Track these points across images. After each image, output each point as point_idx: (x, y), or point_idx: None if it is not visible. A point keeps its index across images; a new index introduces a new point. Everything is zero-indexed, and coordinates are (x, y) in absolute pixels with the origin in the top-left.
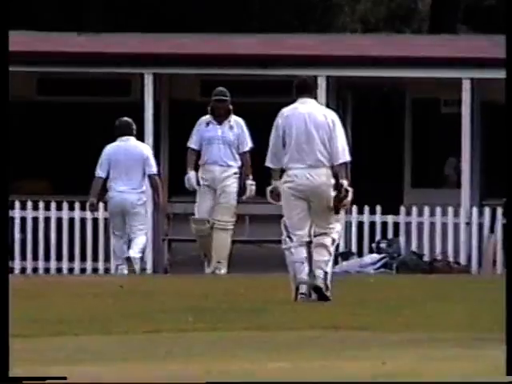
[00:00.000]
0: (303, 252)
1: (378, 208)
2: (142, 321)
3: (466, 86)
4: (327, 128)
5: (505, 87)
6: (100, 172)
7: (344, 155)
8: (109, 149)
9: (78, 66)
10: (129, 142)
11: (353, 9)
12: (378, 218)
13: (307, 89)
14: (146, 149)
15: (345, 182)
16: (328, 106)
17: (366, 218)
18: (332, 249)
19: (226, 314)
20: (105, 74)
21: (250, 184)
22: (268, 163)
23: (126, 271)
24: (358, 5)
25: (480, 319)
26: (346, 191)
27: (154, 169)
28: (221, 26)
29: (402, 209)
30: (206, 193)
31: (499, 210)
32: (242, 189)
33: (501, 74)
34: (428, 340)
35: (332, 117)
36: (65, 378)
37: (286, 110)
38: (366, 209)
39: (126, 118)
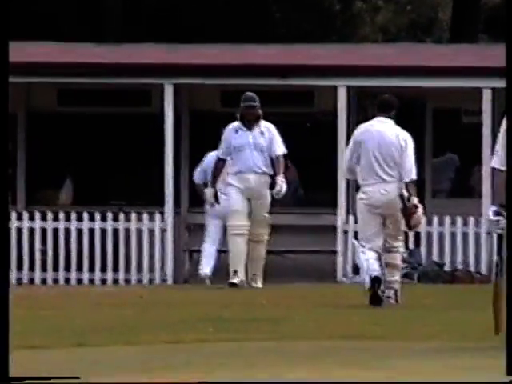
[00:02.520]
0: (374, 254)
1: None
2: (163, 331)
3: (487, 95)
4: (399, 147)
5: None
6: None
7: (411, 174)
8: (209, 157)
9: (99, 77)
10: None
11: (373, 19)
12: None
13: (386, 108)
14: None
15: (414, 199)
16: (349, 115)
17: None
18: (400, 264)
19: (246, 324)
20: (125, 84)
21: (281, 181)
22: (345, 176)
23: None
24: (378, 15)
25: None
26: (416, 206)
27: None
28: (241, 36)
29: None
30: (242, 196)
31: None
32: (271, 185)
33: None
34: (450, 349)
35: (404, 137)
36: (78, 378)
37: (362, 126)
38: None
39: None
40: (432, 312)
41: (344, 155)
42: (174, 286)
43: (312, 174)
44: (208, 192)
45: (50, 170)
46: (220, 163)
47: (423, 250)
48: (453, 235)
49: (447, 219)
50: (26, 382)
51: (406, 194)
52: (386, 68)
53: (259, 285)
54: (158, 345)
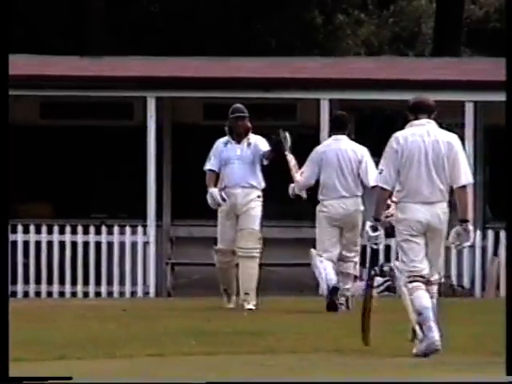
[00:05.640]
0: (331, 263)
1: (381, 231)
2: (146, 344)
3: (469, 109)
4: (357, 163)
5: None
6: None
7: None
8: None
9: (81, 90)
10: None
11: (356, 32)
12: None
13: (342, 126)
14: None
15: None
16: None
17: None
18: (353, 272)
19: (229, 337)
20: (107, 97)
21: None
22: (297, 192)
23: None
24: (361, 28)
25: (484, 342)
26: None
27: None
28: (224, 49)
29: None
30: (228, 219)
31: (502, 233)
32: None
33: (504, 97)
34: (432, 364)
35: (361, 152)
36: (70, 378)
37: (321, 146)
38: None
39: None
40: None
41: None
42: (157, 299)
43: None
44: (214, 191)
45: (32, 183)
46: (211, 174)
47: None
48: None
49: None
50: (25, 382)
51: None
52: (368, 81)
53: (251, 306)
54: (140, 358)
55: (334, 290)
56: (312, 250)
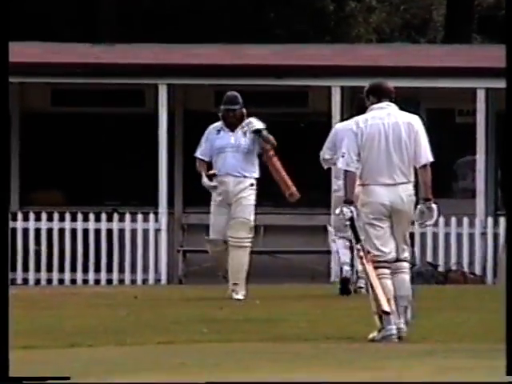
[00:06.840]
0: (343, 242)
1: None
2: (157, 332)
3: (481, 95)
4: None
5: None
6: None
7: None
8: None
9: (92, 77)
10: None
11: (367, 19)
12: None
13: (360, 111)
14: None
15: None
16: (342, 116)
17: None
18: None
19: (240, 324)
20: (119, 84)
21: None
22: (324, 166)
23: None
24: (372, 15)
25: (495, 330)
26: None
27: None
28: (235, 37)
29: None
30: (220, 209)
31: None
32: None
33: None
34: (443, 351)
35: None
36: (68, 378)
37: (339, 125)
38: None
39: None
40: (425, 313)
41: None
42: (168, 286)
43: (305, 174)
44: (205, 182)
45: (44, 171)
46: (201, 163)
47: (417, 250)
48: (446, 236)
49: (441, 220)
50: (25, 382)
51: None
52: (379, 68)
53: (240, 296)
54: (151, 345)
55: (344, 281)
56: (330, 228)
